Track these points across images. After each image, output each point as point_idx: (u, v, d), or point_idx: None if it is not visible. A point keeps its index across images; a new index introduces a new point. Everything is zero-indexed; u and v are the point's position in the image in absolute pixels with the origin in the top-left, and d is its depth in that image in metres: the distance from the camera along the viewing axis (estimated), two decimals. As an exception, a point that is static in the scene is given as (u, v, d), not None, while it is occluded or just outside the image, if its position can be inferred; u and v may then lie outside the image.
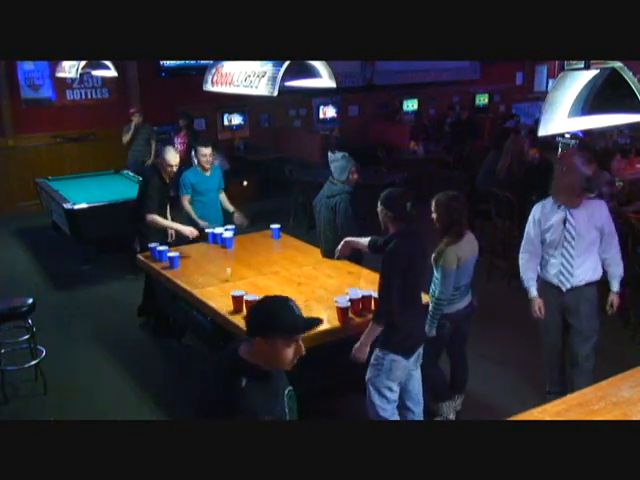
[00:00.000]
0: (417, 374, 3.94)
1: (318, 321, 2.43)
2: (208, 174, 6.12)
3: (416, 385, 3.95)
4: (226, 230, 5.65)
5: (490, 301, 6.36)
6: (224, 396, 2.21)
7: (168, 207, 6.01)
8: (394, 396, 3.82)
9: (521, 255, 4.34)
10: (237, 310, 4.19)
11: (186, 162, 8.96)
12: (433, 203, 4.07)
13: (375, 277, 4.72)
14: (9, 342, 5.02)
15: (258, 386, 2.25)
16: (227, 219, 6.21)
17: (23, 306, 4.77)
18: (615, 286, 4.24)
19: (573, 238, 4.10)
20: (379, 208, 3.74)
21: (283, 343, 2.24)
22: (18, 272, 7.50)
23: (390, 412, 3.82)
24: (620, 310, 4.54)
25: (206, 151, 6.03)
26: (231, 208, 6.22)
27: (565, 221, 4.10)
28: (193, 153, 6.74)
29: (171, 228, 5.84)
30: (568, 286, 4.17)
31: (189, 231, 5.70)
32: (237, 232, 5.74)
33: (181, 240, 5.77)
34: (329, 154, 5.33)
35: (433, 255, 4.02)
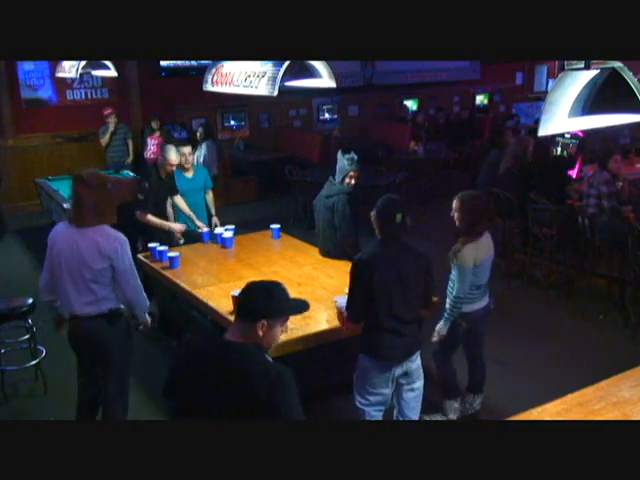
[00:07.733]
0: (411, 390, 3.69)
1: (306, 303, 2.53)
2: (190, 175, 6.11)
3: (411, 401, 3.70)
4: (226, 230, 5.65)
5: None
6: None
7: (170, 202, 5.98)
8: (373, 398, 3.62)
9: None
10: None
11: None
12: (456, 202, 4.09)
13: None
14: (9, 342, 5.02)
15: None
16: (210, 219, 6.26)
17: (23, 306, 4.76)
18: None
19: None
20: (372, 212, 3.60)
21: (282, 324, 2.37)
22: (18, 272, 7.49)
23: (367, 413, 3.62)
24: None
25: (184, 150, 6.02)
26: (212, 211, 6.28)
27: None
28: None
29: (162, 227, 5.80)
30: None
31: (179, 228, 5.78)
32: (237, 232, 5.74)
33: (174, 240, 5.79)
34: (339, 153, 5.24)
35: (449, 253, 4.05)
